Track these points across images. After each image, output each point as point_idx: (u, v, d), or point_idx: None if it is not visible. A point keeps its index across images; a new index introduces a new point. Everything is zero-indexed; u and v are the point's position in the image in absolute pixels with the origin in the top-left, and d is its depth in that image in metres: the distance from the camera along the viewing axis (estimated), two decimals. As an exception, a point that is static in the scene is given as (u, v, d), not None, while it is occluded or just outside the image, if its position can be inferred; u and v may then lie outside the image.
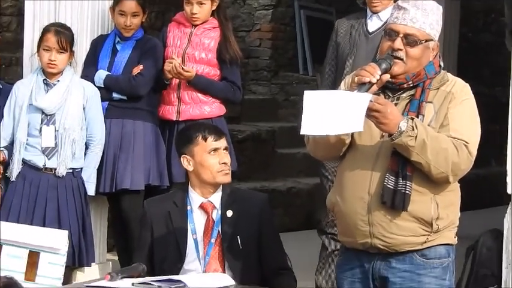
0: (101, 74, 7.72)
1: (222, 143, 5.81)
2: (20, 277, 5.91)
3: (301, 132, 5.05)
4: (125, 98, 7.76)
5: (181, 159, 5.84)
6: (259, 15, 12.49)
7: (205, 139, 5.70)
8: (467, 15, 10.37)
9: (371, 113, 4.94)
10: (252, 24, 12.39)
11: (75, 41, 7.58)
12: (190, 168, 5.79)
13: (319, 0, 12.89)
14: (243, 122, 8.60)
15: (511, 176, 6.81)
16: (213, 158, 5.71)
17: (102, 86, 7.68)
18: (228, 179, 5.82)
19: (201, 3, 7.72)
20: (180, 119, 7.74)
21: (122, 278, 5.50)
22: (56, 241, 6.16)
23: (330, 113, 5.02)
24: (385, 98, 5.13)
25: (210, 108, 7.73)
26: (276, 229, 6.06)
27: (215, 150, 5.73)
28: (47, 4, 8.02)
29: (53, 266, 6.05)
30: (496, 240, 6.90)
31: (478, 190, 5.86)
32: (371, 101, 4.93)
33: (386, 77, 5.10)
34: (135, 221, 7.25)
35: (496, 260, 6.88)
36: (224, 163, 5.76)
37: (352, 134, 5.19)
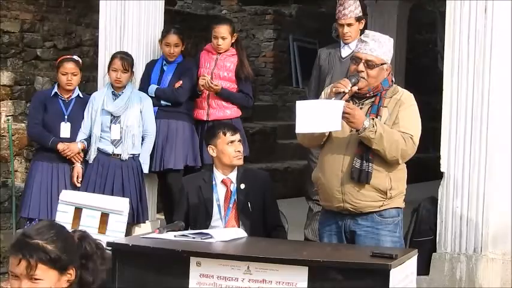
0: (153, 88, 7.81)
1: (237, 137, 5.87)
2: (94, 231, 5.97)
3: (296, 131, 5.22)
4: (169, 104, 7.79)
5: (208, 148, 5.92)
6: (264, 45, 12.51)
7: (224, 134, 5.83)
8: (411, 45, 10.39)
9: (344, 115, 5.06)
10: (259, 52, 12.39)
11: (134, 63, 7.61)
12: (214, 154, 5.90)
13: (307, 35, 12.88)
14: (254, 121, 8.62)
15: (444, 159, 6.83)
16: (230, 148, 5.81)
17: (153, 95, 7.74)
18: (240, 162, 5.88)
19: (224, 38, 7.80)
20: (209, 120, 7.80)
21: (166, 231, 5.54)
22: (120, 205, 6.28)
23: (315, 115, 5.14)
24: (353, 104, 5.24)
25: (230, 111, 7.81)
26: (275, 197, 6.15)
27: (231, 142, 5.82)
28: (114, 37, 8.05)
29: (118, 223, 6.16)
30: (433, 204, 6.92)
31: (420, 168, 5.89)
32: (344, 106, 5.05)
33: (354, 88, 5.25)
34: (176, 192, 7.31)
35: (433, 218, 6.91)
36: (238, 151, 5.83)
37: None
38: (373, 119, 5.19)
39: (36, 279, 3.02)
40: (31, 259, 3.01)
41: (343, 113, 5.10)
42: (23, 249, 3.04)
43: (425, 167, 6.74)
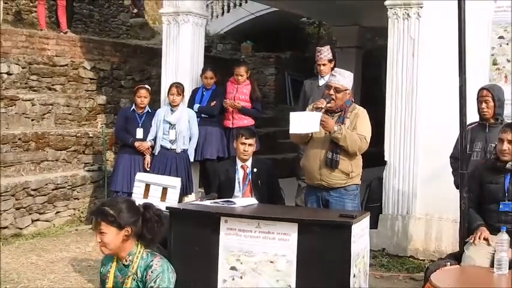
0: (196, 106, 7.82)
1: (249, 141, 5.59)
2: (157, 200, 5.94)
3: (290, 132, 5.18)
4: (207, 116, 7.75)
5: (233, 143, 5.81)
6: (269, 78, 12.57)
7: (241, 136, 5.67)
8: (364, 78, 10.30)
9: (321, 122, 4.99)
10: (265, 82, 12.35)
11: (184, 90, 7.57)
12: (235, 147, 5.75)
13: (297, 71, 12.84)
14: (262, 127, 8.53)
15: (387, 151, 6.78)
16: (241, 146, 5.64)
17: (197, 111, 7.67)
18: (245, 158, 5.64)
19: (242, 75, 7.80)
20: (233, 126, 7.74)
21: (205, 200, 5.48)
22: (175, 183, 6.26)
23: (302, 122, 5.08)
24: (327, 115, 5.16)
25: (247, 121, 7.80)
26: (276, 178, 5.98)
27: (243, 143, 5.63)
28: (171, 73, 8.07)
29: (173, 194, 6.13)
30: (379, 182, 6.87)
31: (371, 157, 5.80)
32: (321, 116, 5.03)
33: (328, 106, 5.16)
34: (211, 173, 7.23)
35: (379, 191, 6.85)
36: (245, 150, 5.63)
37: (312, 132, 5.21)
38: (340, 125, 5.14)
39: (102, 232, 3.03)
40: (98, 219, 3.07)
41: (321, 121, 5.05)
42: (94, 212, 3.12)
43: (375, 157, 6.64)
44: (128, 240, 3.12)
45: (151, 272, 3.08)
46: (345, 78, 5.29)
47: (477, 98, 5.22)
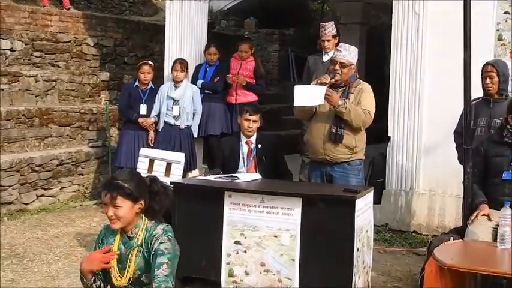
0: (200, 82, 7.78)
1: (253, 117, 5.59)
2: (161, 175, 5.93)
3: (294, 105, 5.15)
4: (210, 92, 7.72)
5: (237, 120, 5.80)
6: (272, 55, 12.42)
7: (246, 112, 5.65)
8: (367, 54, 10.25)
9: (325, 96, 4.97)
10: (269, 59, 12.28)
11: (188, 66, 7.52)
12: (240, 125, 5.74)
13: (300, 47, 12.77)
14: (266, 104, 8.47)
15: (391, 128, 6.77)
16: (245, 123, 5.63)
17: (200, 87, 7.64)
18: (249, 134, 5.63)
19: (246, 51, 7.75)
20: (236, 102, 7.72)
21: (209, 175, 5.49)
22: (179, 158, 6.24)
23: (306, 95, 5.06)
24: (331, 90, 5.10)
25: (251, 97, 7.79)
26: (282, 154, 5.96)
27: (247, 119, 5.62)
28: (175, 49, 8.07)
29: (177, 169, 6.12)
30: (383, 157, 6.86)
31: (374, 133, 5.79)
32: (326, 90, 5.04)
33: (332, 81, 5.13)
34: (215, 149, 7.28)
35: (383, 167, 6.85)
36: (249, 127, 5.62)
37: (316, 106, 5.20)
38: (344, 100, 5.13)
39: (117, 206, 3.02)
40: (113, 193, 3.03)
41: (325, 95, 5.04)
42: (108, 187, 3.07)
43: (379, 132, 6.62)
44: (139, 213, 3.12)
45: (156, 237, 3.08)
46: (350, 53, 5.26)
47: (482, 74, 5.19)
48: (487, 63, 5.23)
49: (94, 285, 3.16)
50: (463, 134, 4.84)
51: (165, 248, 3.04)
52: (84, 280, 3.15)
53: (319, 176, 5.42)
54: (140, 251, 3.10)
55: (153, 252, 3.05)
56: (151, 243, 3.07)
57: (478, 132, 5.12)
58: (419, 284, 4.81)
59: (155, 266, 2.99)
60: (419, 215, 6.67)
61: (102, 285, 3.21)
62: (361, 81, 5.38)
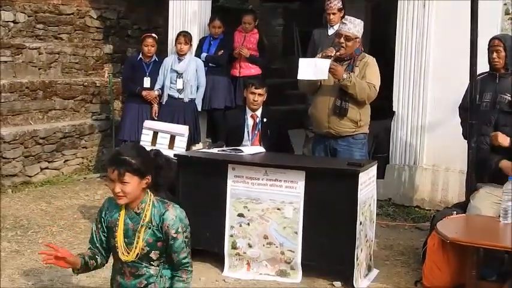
0: (203, 55, 7.72)
1: (258, 91, 5.53)
2: (165, 147, 5.91)
3: (298, 78, 5.15)
4: (214, 65, 7.68)
5: (242, 94, 5.78)
6: (277, 29, 12.31)
7: (251, 85, 5.62)
8: (372, 27, 10.17)
9: (330, 69, 4.96)
10: (273, 33, 12.20)
11: (192, 39, 7.49)
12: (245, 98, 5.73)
13: (305, 22, 12.66)
14: (270, 79, 8.42)
15: (395, 102, 6.76)
16: (250, 96, 5.58)
17: (204, 60, 7.62)
18: (255, 107, 5.58)
19: (250, 23, 7.75)
20: (240, 75, 7.67)
21: (212, 148, 5.50)
22: (183, 131, 6.18)
23: (311, 68, 5.04)
24: (336, 63, 5.08)
25: (254, 70, 7.75)
26: (286, 128, 5.92)
27: (253, 93, 5.57)
28: (179, 22, 8.02)
29: (181, 142, 6.06)
30: (387, 132, 6.87)
31: (378, 108, 5.78)
32: (330, 63, 5.05)
33: (337, 54, 5.09)
34: (219, 123, 7.28)
35: (387, 141, 6.85)
36: (255, 100, 5.57)
37: (321, 80, 5.19)
38: (349, 73, 5.11)
39: (124, 182, 3.00)
40: (121, 169, 3.00)
41: (330, 68, 5.03)
42: (116, 162, 3.04)
43: (383, 108, 6.59)
44: (146, 188, 3.12)
45: (169, 223, 3.07)
46: (355, 27, 5.24)
47: (488, 48, 5.16)
48: (494, 38, 5.19)
49: (90, 266, 3.20)
50: (468, 109, 4.84)
51: (181, 232, 3.11)
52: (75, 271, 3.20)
53: (323, 149, 5.43)
54: (150, 227, 3.10)
55: (170, 239, 3.09)
56: (164, 227, 3.07)
57: (483, 107, 5.09)
58: (421, 258, 4.86)
59: (173, 250, 3.09)
60: (422, 190, 6.69)
61: (100, 261, 3.24)
62: (366, 54, 5.36)
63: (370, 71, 5.22)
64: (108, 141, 8.53)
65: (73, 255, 3.15)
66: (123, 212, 3.14)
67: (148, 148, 3.36)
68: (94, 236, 3.25)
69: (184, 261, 3.11)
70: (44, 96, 8.18)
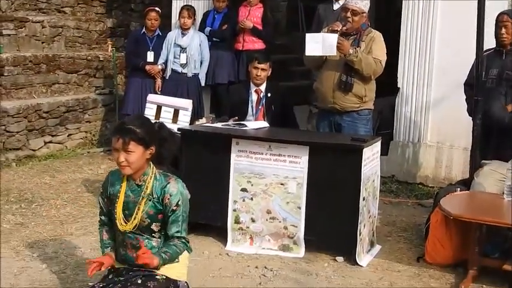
0: (207, 29, 7.67)
1: (261, 65, 5.48)
2: (169, 121, 5.91)
3: (305, 54, 5.14)
4: (218, 40, 7.63)
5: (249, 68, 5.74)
6: (281, 4, 12.17)
7: (255, 60, 5.58)
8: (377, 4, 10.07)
9: (337, 44, 4.89)
10: (278, 9, 12.09)
11: (195, 13, 7.45)
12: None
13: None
14: (274, 54, 8.37)
15: (400, 78, 6.74)
16: (254, 70, 5.54)
17: (208, 34, 7.57)
18: (258, 82, 5.54)
19: None
20: (243, 49, 7.60)
21: (216, 122, 5.49)
22: (186, 104, 6.15)
23: (318, 44, 5.01)
24: (342, 38, 5.04)
25: (258, 45, 7.60)
26: (291, 104, 5.85)
27: (256, 67, 5.53)
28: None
29: (185, 116, 6.05)
30: (391, 109, 6.85)
31: (383, 85, 5.75)
32: (337, 38, 5.00)
33: (344, 28, 5.07)
34: (223, 98, 7.25)
35: (391, 118, 6.84)
36: (257, 75, 5.53)
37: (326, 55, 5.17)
38: (355, 48, 5.08)
39: (129, 151, 3.01)
40: (126, 138, 3.00)
41: (337, 43, 5.00)
42: (121, 131, 3.05)
43: (388, 84, 6.55)
44: (149, 159, 3.12)
45: (170, 196, 3.08)
46: (362, 1, 5.17)
47: (496, 23, 5.11)
48: (503, 13, 5.12)
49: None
50: (474, 86, 4.81)
51: (181, 206, 3.13)
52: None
53: (328, 125, 5.42)
54: (150, 200, 3.11)
55: (168, 211, 3.10)
56: (165, 200, 3.09)
57: (489, 84, 5.06)
58: (424, 235, 4.87)
59: (171, 222, 3.11)
60: (426, 166, 6.68)
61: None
62: (372, 29, 5.31)
63: (376, 46, 5.18)
64: (111, 116, 8.53)
65: (111, 255, 3.24)
66: (124, 184, 3.17)
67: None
68: (103, 208, 3.30)
69: (178, 234, 3.13)
70: (47, 70, 8.16)
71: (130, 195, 3.14)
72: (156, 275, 3.10)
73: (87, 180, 6.62)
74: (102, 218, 3.31)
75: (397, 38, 6.81)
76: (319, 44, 5.01)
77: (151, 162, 3.17)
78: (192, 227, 3.24)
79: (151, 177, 3.14)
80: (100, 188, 3.33)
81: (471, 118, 4.91)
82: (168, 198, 3.09)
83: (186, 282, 3.16)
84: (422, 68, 6.64)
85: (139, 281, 3.05)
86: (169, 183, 3.12)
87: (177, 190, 3.11)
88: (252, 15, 7.64)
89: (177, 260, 3.16)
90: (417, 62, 6.67)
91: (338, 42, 5.00)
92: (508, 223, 3.97)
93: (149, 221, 3.12)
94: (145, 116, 5.41)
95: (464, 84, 5.36)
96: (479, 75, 4.78)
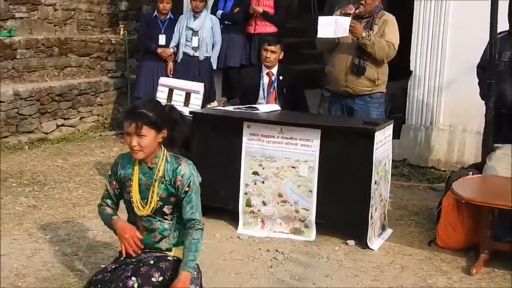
0: (219, 12, 7.63)
1: (271, 48, 5.46)
2: (181, 105, 5.90)
3: (318, 36, 5.11)
4: (230, 23, 7.58)
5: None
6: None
7: (266, 42, 5.55)
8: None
9: (349, 27, 4.86)
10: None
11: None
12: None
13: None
14: (286, 37, 8.32)
15: (412, 61, 6.69)
16: (264, 52, 5.52)
17: (220, 18, 7.52)
18: (268, 64, 5.52)
19: None
20: (255, 32, 7.55)
21: (228, 105, 5.48)
22: (198, 88, 6.14)
23: (331, 26, 4.97)
24: (355, 21, 5.01)
25: (270, 28, 7.55)
26: (302, 88, 5.85)
27: (266, 49, 5.51)
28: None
29: (196, 99, 6.04)
30: (404, 92, 6.81)
31: (396, 68, 5.72)
32: (350, 21, 4.99)
33: (356, 11, 5.02)
34: (234, 80, 7.24)
35: (403, 101, 6.80)
36: (267, 57, 5.50)
37: (339, 38, 5.13)
38: (368, 31, 5.05)
39: (142, 135, 3.01)
40: (138, 122, 3.00)
41: (349, 26, 4.97)
42: (133, 116, 3.04)
43: (400, 68, 6.50)
44: (161, 143, 3.12)
45: (182, 177, 3.08)
46: (375, -17, 5.15)
47: (509, 6, 5.03)
48: (516, -4, 5.07)
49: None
50: (487, 68, 4.77)
51: (193, 187, 3.11)
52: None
53: (340, 108, 5.40)
54: (163, 182, 3.11)
55: (181, 193, 3.09)
56: (177, 182, 3.09)
57: (502, 67, 5.02)
58: (435, 218, 4.85)
59: (185, 204, 3.09)
60: (438, 150, 6.65)
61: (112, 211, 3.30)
62: (385, 12, 5.28)
63: (389, 29, 5.15)
64: (123, 99, 8.54)
65: (123, 220, 3.24)
66: (136, 168, 3.16)
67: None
68: (109, 191, 3.29)
69: (193, 216, 3.11)
70: (59, 53, 8.17)
71: (142, 178, 3.14)
72: (168, 256, 3.12)
73: (99, 163, 6.66)
74: (107, 201, 3.30)
75: (410, 21, 6.76)
76: (332, 26, 4.99)
77: (162, 145, 3.17)
78: (204, 210, 3.24)
79: (162, 159, 3.13)
80: (108, 171, 3.32)
81: (484, 101, 4.88)
82: (180, 180, 3.09)
83: (196, 264, 3.17)
84: (435, 50, 6.59)
85: (151, 262, 3.06)
86: (180, 165, 3.12)
87: (188, 172, 3.11)
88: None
89: None
90: (430, 44, 6.62)
91: (351, 26, 4.98)
92: (520, 207, 3.95)
93: (161, 203, 3.12)
94: (157, 99, 5.42)
95: (477, 67, 5.31)
96: (493, 58, 4.74)
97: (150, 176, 3.13)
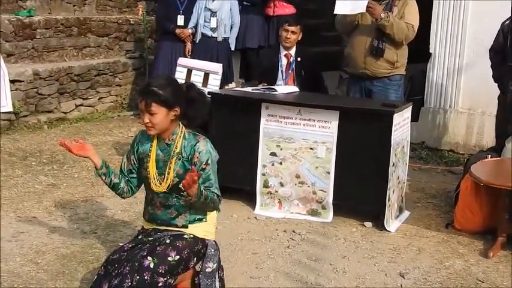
0: (238, -6, 7.58)
1: (291, 28, 5.50)
2: (199, 85, 5.87)
3: (335, 12, 5.08)
4: (249, 4, 7.56)
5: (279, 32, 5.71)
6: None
7: (286, 23, 5.55)
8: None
9: (368, 9, 4.84)
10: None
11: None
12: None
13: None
14: (304, 19, 8.29)
15: (432, 43, 6.63)
16: (284, 33, 5.55)
17: (239, -1, 7.53)
18: (287, 45, 5.54)
19: None
20: (274, 14, 7.51)
21: (246, 86, 5.47)
22: (216, 68, 6.11)
23: (349, 3, 4.92)
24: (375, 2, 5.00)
25: (289, 10, 7.54)
26: (320, 70, 5.85)
27: (286, 30, 5.52)
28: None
29: (215, 80, 5.99)
30: (423, 75, 6.75)
31: (415, 51, 5.67)
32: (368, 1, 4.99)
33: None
34: (253, 61, 7.22)
35: (422, 84, 6.75)
36: (287, 37, 5.52)
37: (358, 19, 5.06)
38: (387, 12, 5.00)
39: (152, 113, 3.02)
40: (148, 100, 3.02)
41: (368, 7, 4.94)
42: (143, 93, 3.08)
43: (420, 50, 6.43)
44: (175, 120, 3.12)
45: (199, 154, 3.09)
46: (395, -36, 5.10)
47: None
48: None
49: (113, 180, 3.32)
50: (499, 52, 4.73)
51: (210, 164, 3.11)
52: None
53: (358, 90, 5.38)
54: (180, 159, 3.12)
55: (199, 170, 3.07)
56: (194, 158, 3.09)
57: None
58: (453, 201, 4.84)
59: (203, 181, 3.08)
60: (456, 133, 6.61)
61: (123, 186, 3.32)
62: (405, -7, 5.24)
63: (409, 10, 5.10)
64: (141, 80, 8.55)
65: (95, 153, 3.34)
66: (154, 143, 3.18)
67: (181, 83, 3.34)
68: (122, 164, 3.33)
69: (211, 189, 3.12)
70: (78, 33, 8.20)
71: (160, 154, 3.16)
72: (184, 234, 3.13)
73: (118, 143, 6.69)
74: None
75: (431, 2, 6.69)
76: (349, 3, 4.97)
77: (180, 122, 3.17)
78: (221, 191, 3.26)
79: (180, 136, 3.14)
80: (129, 146, 3.35)
81: (497, 84, 4.84)
82: (198, 157, 3.09)
83: (214, 240, 3.18)
84: (455, 33, 6.53)
85: (167, 241, 3.08)
86: (198, 141, 3.13)
87: (206, 149, 3.12)
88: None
89: (204, 219, 3.18)
90: (450, 27, 6.56)
91: (370, 7, 4.95)
92: (540, 191, 3.92)
93: (178, 180, 3.12)
94: (173, 77, 5.42)
95: (490, 49, 5.24)
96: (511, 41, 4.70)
97: (168, 152, 3.14)
